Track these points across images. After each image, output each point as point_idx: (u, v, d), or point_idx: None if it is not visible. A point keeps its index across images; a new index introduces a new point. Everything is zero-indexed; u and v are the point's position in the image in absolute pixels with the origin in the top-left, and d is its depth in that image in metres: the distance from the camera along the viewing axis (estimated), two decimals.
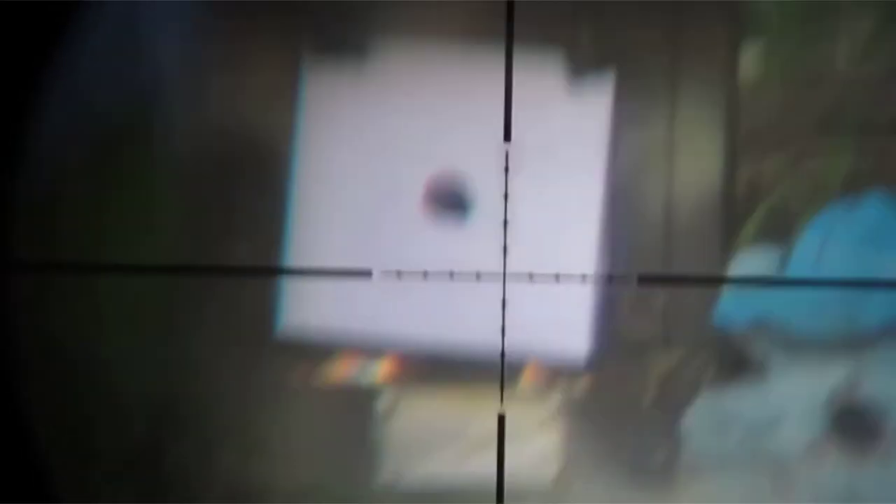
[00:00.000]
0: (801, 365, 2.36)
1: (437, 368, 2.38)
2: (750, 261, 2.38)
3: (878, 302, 2.32)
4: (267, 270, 2.36)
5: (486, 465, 2.36)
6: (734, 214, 2.39)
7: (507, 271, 2.33)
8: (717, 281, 2.35)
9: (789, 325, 2.34)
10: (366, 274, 2.37)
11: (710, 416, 2.36)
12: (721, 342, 2.37)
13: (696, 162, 2.39)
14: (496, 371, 2.34)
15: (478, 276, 2.34)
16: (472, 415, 2.37)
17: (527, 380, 2.39)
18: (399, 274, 2.36)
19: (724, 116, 2.38)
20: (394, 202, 2.39)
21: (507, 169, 2.34)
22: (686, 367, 2.37)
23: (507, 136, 2.34)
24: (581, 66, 2.36)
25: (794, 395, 2.36)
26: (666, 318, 2.39)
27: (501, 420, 2.35)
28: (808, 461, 2.35)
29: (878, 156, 2.38)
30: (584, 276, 2.33)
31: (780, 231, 2.38)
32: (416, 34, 2.37)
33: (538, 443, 2.39)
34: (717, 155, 2.38)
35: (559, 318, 2.36)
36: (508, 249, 2.34)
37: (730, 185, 2.38)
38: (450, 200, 2.39)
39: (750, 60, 2.39)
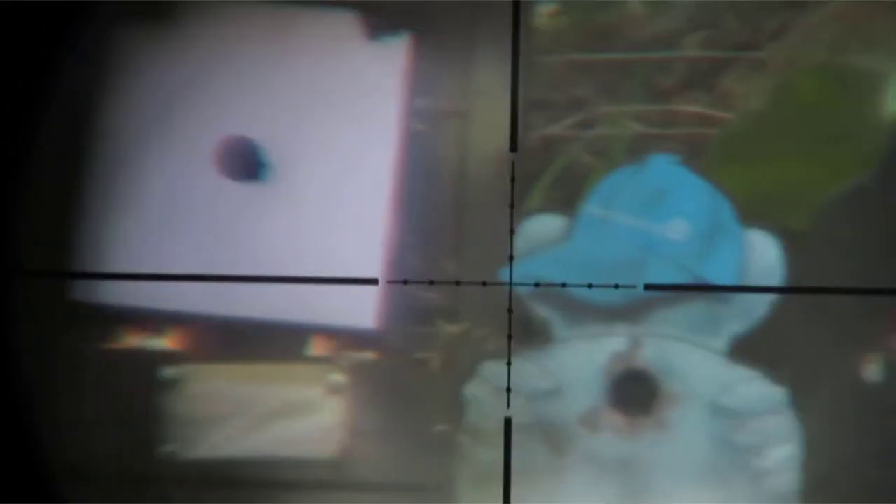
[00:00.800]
0: (583, 331, 2.36)
1: (224, 342, 2.40)
2: (537, 226, 2.39)
3: (656, 269, 2.31)
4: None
5: (267, 441, 2.38)
6: (523, 180, 2.39)
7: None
8: (719, 289, 2.34)
9: (571, 292, 2.33)
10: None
11: (494, 382, 2.34)
12: (507, 309, 2.35)
13: (486, 127, 2.43)
14: (284, 347, 2.37)
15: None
16: (258, 390, 2.38)
17: (314, 349, 2.41)
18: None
19: (513, 83, 2.38)
20: (186, 162, 2.42)
21: (513, 179, 2.36)
22: (472, 335, 2.39)
23: (514, 147, 2.37)
24: (379, 26, 2.41)
25: (575, 361, 2.36)
26: (454, 287, 2.40)
27: (508, 423, 2.33)
28: (588, 427, 2.33)
29: (661, 122, 2.41)
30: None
31: (567, 197, 2.39)
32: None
33: (325, 413, 2.40)
34: (506, 120, 2.39)
35: (346, 287, 2.37)
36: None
37: (520, 150, 2.39)
38: (242, 162, 2.41)
39: (538, 25, 2.45)
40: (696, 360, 2.33)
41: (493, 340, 2.36)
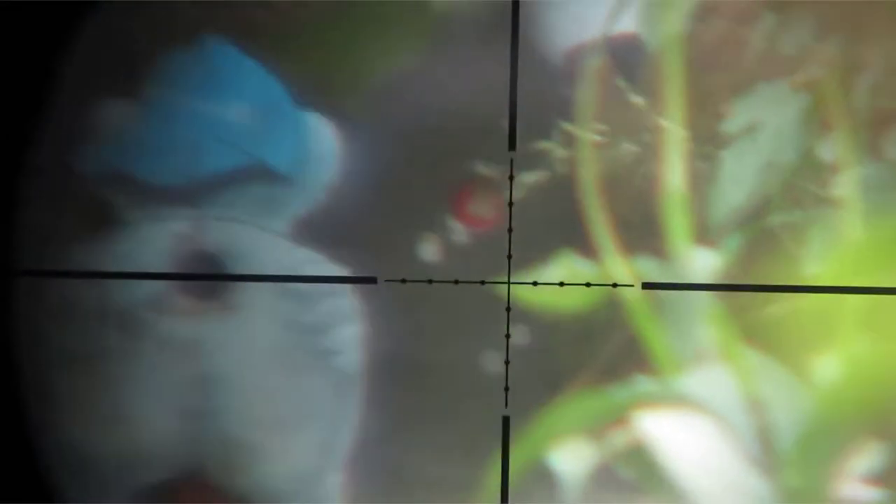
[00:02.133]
0: (149, 213, 2.35)
1: None
2: (106, 112, 2.36)
3: (216, 152, 2.32)
4: None
5: None
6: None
7: None
8: (716, 288, 2.34)
9: (139, 175, 2.33)
10: None
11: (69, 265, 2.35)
12: (81, 195, 2.35)
13: None
14: None
15: None
16: None
17: None
18: None
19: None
20: None
21: (511, 177, 2.35)
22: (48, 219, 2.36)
23: (512, 146, 2.35)
24: None
25: (140, 244, 2.35)
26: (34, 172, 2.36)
27: (506, 421, 2.34)
28: (155, 310, 2.34)
29: (216, 6, 2.37)
30: None
31: (128, 80, 2.37)
32: None
33: None
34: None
35: None
36: None
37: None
38: None
39: None
40: (260, 242, 2.35)
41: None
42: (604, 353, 2.35)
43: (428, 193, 2.37)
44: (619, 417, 2.35)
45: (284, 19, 2.37)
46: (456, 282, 2.36)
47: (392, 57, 2.36)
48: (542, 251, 2.35)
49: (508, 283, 2.35)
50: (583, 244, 2.35)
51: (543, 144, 2.36)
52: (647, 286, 2.32)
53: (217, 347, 2.34)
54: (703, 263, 2.34)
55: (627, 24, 2.36)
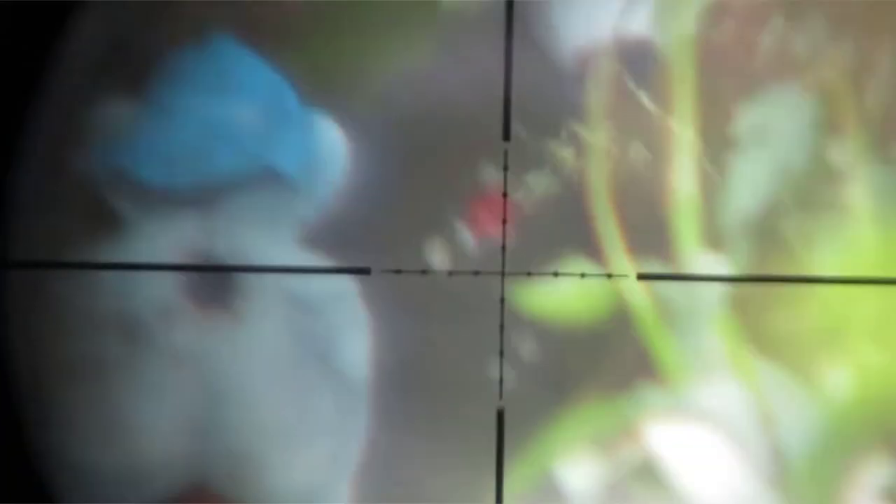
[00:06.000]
0: (157, 220, 2.31)
1: None
2: (107, 112, 2.32)
3: (225, 155, 2.28)
4: None
5: None
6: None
7: None
8: (714, 279, 2.31)
9: (144, 179, 2.29)
10: None
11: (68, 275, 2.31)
12: (82, 196, 2.31)
13: None
14: None
15: None
16: None
17: None
18: None
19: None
20: None
21: (506, 167, 2.32)
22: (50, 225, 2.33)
23: (506, 136, 2.32)
24: None
25: (150, 250, 2.31)
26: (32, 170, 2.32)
27: (500, 415, 2.32)
28: (165, 319, 2.31)
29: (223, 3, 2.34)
30: None
31: (133, 78, 2.32)
32: None
33: None
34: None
35: None
36: None
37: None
38: None
39: None
40: (269, 249, 2.32)
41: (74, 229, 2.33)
42: (608, 357, 2.33)
43: (434, 196, 2.34)
44: (627, 429, 2.33)
45: (291, 17, 2.34)
46: (450, 273, 2.33)
47: (398, 56, 2.33)
48: (547, 254, 2.33)
49: (503, 273, 2.32)
50: (589, 246, 2.32)
51: (551, 144, 2.34)
52: (641, 277, 2.30)
53: (222, 357, 2.30)
54: (711, 267, 2.32)
55: (638, 26, 2.33)
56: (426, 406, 2.33)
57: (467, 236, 2.34)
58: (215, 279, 2.32)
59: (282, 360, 2.31)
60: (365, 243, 2.33)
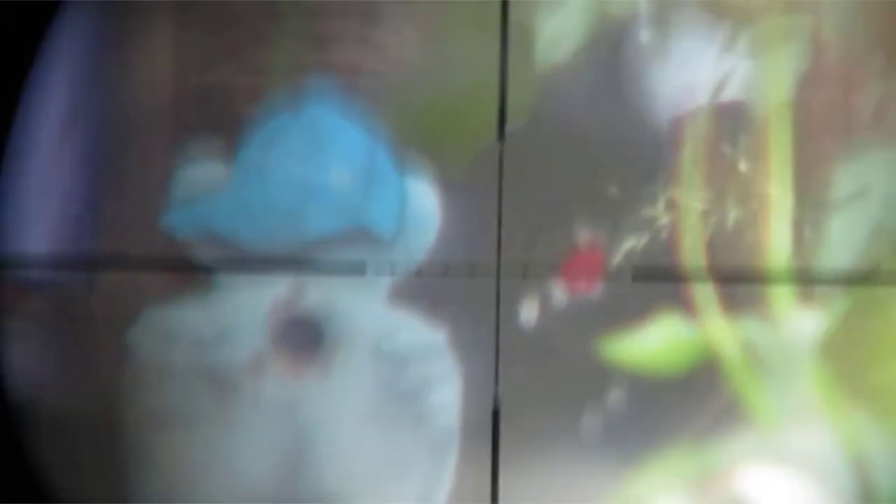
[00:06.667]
0: (246, 276, 2.34)
1: None
2: (195, 173, 2.35)
3: (317, 216, 2.32)
4: None
5: None
6: (179, 122, 2.38)
7: None
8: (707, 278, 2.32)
9: (234, 236, 2.33)
10: None
11: (157, 329, 2.34)
12: (170, 253, 2.34)
13: (149, 67, 2.38)
14: None
15: None
16: None
17: None
18: None
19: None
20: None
21: (501, 167, 2.35)
22: (136, 281, 2.36)
23: (501, 136, 2.34)
24: None
25: (239, 306, 2.34)
26: (118, 226, 2.37)
27: (496, 414, 2.34)
28: (252, 373, 2.33)
29: (320, 43, 2.36)
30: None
31: (225, 143, 2.36)
32: None
33: None
34: (171, 65, 2.37)
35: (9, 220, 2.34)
36: None
37: (180, 92, 2.38)
38: None
39: None
40: (358, 304, 2.34)
41: (158, 285, 2.35)
42: (697, 404, 2.34)
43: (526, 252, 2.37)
44: (716, 473, 2.33)
45: (384, 78, 2.38)
46: (542, 326, 2.35)
47: (494, 125, 2.37)
48: (640, 309, 2.35)
49: (498, 276, 2.35)
50: (684, 303, 2.34)
51: (648, 211, 2.36)
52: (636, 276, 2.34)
53: (312, 410, 2.34)
54: (807, 326, 2.32)
55: (734, 90, 2.34)
56: (517, 455, 2.35)
57: (559, 291, 2.36)
58: (305, 333, 2.36)
59: (371, 411, 2.34)
60: (455, 299, 2.36)
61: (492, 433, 2.34)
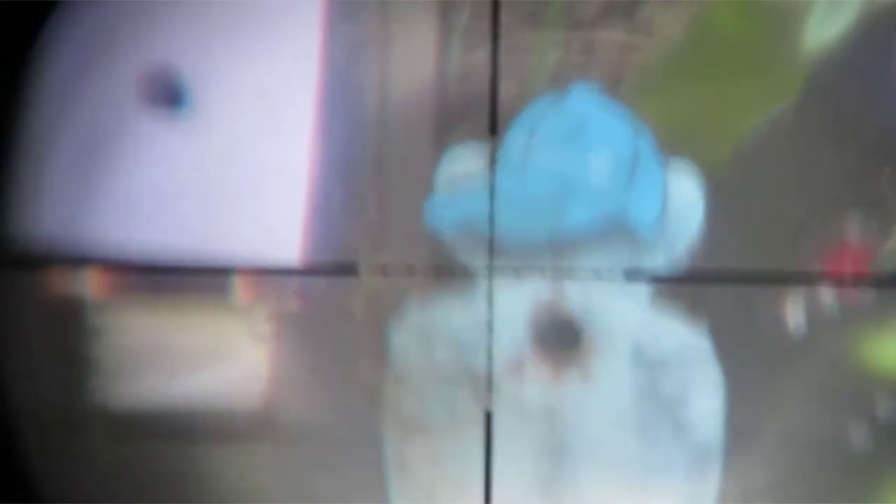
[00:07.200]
0: (507, 272, 2.28)
1: (149, 281, 2.30)
2: (461, 157, 2.29)
3: (578, 204, 2.24)
4: None
5: (197, 385, 2.30)
6: (446, 110, 2.32)
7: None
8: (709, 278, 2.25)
9: (495, 231, 2.27)
10: None
11: (418, 328, 2.29)
12: (431, 247, 2.29)
13: (408, 55, 2.33)
14: (207, 291, 2.28)
15: None
16: (186, 332, 2.30)
17: (238, 293, 2.31)
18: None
19: (438, 10, 2.31)
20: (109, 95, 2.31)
21: (492, 162, 2.28)
22: (396, 277, 2.31)
23: (493, 130, 2.29)
24: None
25: (499, 308, 2.28)
26: (379, 225, 2.33)
27: (489, 417, 2.28)
28: (513, 374, 2.27)
29: (583, 50, 2.30)
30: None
31: (489, 126, 2.29)
32: None
33: (250, 359, 2.31)
34: (429, 48, 2.32)
35: (269, 227, 2.29)
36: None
37: (442, 79, 2.32)
38: (162, 89, 2.30)
39: None
40: (620, 306, 2.26)
41: (418, 285, 2.31)
42: None
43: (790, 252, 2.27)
44: None
45: (649, 64, 2.31)
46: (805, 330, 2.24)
47: (762, 107, 2.27)
48: None
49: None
50: None
51: None
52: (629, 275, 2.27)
53: (573, 415, 2.29)
54: None
55: None
56: (775, 470, 2.27)
57: (826, 292, 2.24)
58: (566, 335, 2.30)
59: (631, 416, 2.28)
60: (718, 300, 2.27)
61: (485, 434, 2.28)
